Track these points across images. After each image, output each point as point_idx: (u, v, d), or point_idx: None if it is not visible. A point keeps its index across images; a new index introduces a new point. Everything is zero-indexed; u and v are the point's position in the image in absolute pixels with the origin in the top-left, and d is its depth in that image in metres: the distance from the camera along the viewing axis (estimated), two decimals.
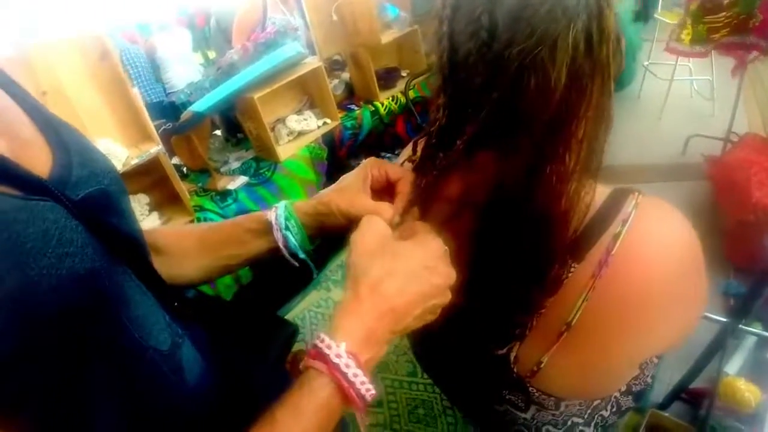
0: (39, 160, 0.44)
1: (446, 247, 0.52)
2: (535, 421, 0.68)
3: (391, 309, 0.46)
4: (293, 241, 0.62)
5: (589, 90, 0.46)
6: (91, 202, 0.46)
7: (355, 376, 0.42)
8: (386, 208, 0.58)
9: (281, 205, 0.64)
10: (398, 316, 0.47)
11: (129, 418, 0.47)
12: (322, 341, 0.44)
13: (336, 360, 0.42)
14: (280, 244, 0.63)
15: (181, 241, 0.67)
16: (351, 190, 0.62)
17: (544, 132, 0.46)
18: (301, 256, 0.64)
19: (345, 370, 0.42)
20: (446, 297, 0.50)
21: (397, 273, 0.48)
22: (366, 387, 0.43)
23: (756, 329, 1.42)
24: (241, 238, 0.65)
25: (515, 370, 0.60)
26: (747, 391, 1.26)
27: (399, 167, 0.64)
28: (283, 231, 0.62)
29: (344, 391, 0.42)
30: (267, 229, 0.63)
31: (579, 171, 0.48)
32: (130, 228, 0.53)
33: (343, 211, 0.60)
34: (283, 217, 0.63)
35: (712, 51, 2.29)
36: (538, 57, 0.43)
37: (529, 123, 0.46)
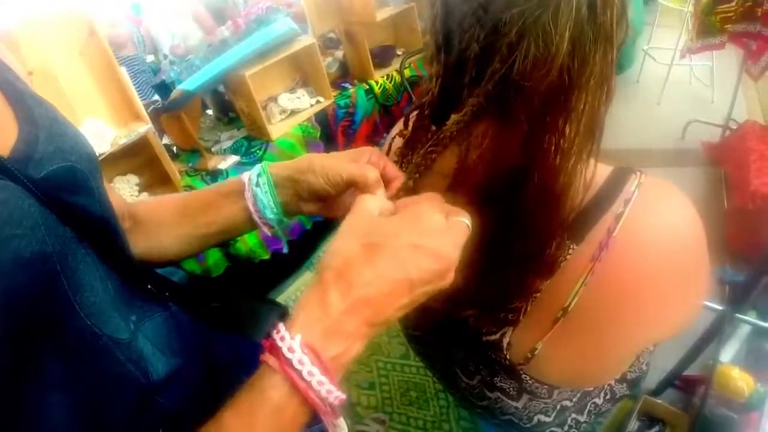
0: (2, 133, 0.41)
1: (446, 221, 0.43)
2: (526, 411, 0.67)
3: (365, 299, 0.38)
4: (262, 198, 0.58)
5: (592, 58, 0.43)
6: (55, 180, 0.43)
7: (311, 374, 0.35)
8: (373, 172, 0.51)
9: (258, 165, 0.60)
10: (376, 307, 0.39)
11: (85, 414, 0.44)
12: (278, 332, 0.37)
13: (288, 355, 0.35)
14: (249, 204, 0.58)
15: (160, 209, 0.64)
16: (339, 157, 0.57)
17: (544, 102, 0.43)
18: (269, 215, 0.58)
19: (298, 366, 0.35)
20: (445, 282, 0.42)
21: (375, 255, 0.39)
22: (326, 388, 0.36)
23: (751, 318, 1.41)
24: (218, 203, 0.61)
25: (508, 356, 0.58)
26: (740, 379, 1.25)
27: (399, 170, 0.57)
28: (254, 187, 0.58)
29: (302, 393, 0.35)
30: (242, 190, 0.59)
31: (579, 145, 0.45)
32: (100, 208, 0.50)
33: (325, 168, 0.54)
34: (256, 173, 0.59)
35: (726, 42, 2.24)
36: (539, 20, 0.40)
37: (528, 93, 0.42)
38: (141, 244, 0.60)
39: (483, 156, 0.48)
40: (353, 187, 0.54)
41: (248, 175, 0.59)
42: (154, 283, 0.57)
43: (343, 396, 0.37)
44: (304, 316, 0.38)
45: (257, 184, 0.58)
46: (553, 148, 0.44)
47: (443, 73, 0.49)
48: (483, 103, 0.46)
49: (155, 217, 0.63)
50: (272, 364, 0.36)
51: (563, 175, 0.45)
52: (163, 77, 2.11)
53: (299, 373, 0.35)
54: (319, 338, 0.37)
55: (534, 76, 0.41)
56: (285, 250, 0.65)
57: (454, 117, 0.48)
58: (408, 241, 0.40)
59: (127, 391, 0.48)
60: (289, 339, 0.36)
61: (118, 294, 0.48)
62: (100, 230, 0.48)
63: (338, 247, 0.41)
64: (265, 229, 0.60)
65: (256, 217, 0.59)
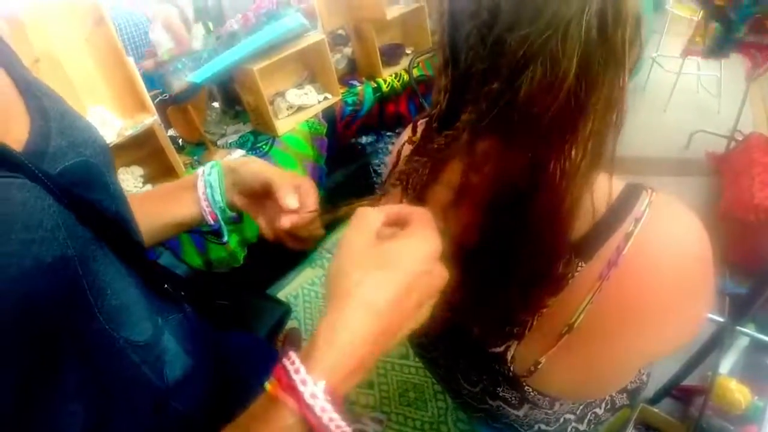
0: (15, 128, 0.40)
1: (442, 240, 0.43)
2: (527, 419, 0.67)
3: (387, 330, 0.38)
4: (212, 183, 0.63)
5: (601, 80, 0.41)
6: (70, 175, 0.41)
7: (331, 420, 0.34)
8: (291, 196, 0.59)
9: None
10: (393, 335, 0.39)
11: (99, 418, 0.43)
12: (297, 372, 0.35)
13: (311, 401, 0.34)
14: (200, 193, 0.63)
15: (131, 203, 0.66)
16: (278, 169, 0.63)
17: (549, 126, 0.41)
18: (215, 198, 0.63)
19: (320, 414, 0.34)
20: (437, 297, 0.43)
21: (392, 284, 0.39)
22: (342, 430, 0.35)
23: (750, 330, 1.41)
24: (176, 194, 0.66)
25: (511, 368, 0.59)
26: (737, 392, 1.25)
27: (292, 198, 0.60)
28: (206, 177, 0.63)
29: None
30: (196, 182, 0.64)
31: (585, 168, 0.44)
32: (115, 204, 0.49)
33: (257, 166, 0.63)
34: (210, 166, 0.64)
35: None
36: (547, 44, 0.39)
37: (532, 116, 0.41)
38: None
39: (487, 174, 0.48)
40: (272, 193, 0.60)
41: (202, 168, 0.64)
42: (171, 282, 0.57)
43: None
44: (328, 359, 0.36)
45: (209, 174, 0.63)
46: (558, 172, 0.43)
47: (450, 87, 0.47)
48: (475, 121, 0.44)
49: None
50: (291, 407, 0.35)
51: (569, 198, 0.44)
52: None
53: (320, 420, 0.34)
54: (343, 379, 0.36)
55: (539, 101, 0.40)
56: (225, 240, 0.68)
57: (459, 128, 0.47)
58: (420, 267, 0.40)
59: (142, 394, 0.47)
60: (311, 384, 0.34)
61: (137, 295, 0.48)
62: (117, 229, 0.47)
63: (350, 273, 0.39)
64: (210, 219, 0.64)
65: (203, 205, 0.63)
